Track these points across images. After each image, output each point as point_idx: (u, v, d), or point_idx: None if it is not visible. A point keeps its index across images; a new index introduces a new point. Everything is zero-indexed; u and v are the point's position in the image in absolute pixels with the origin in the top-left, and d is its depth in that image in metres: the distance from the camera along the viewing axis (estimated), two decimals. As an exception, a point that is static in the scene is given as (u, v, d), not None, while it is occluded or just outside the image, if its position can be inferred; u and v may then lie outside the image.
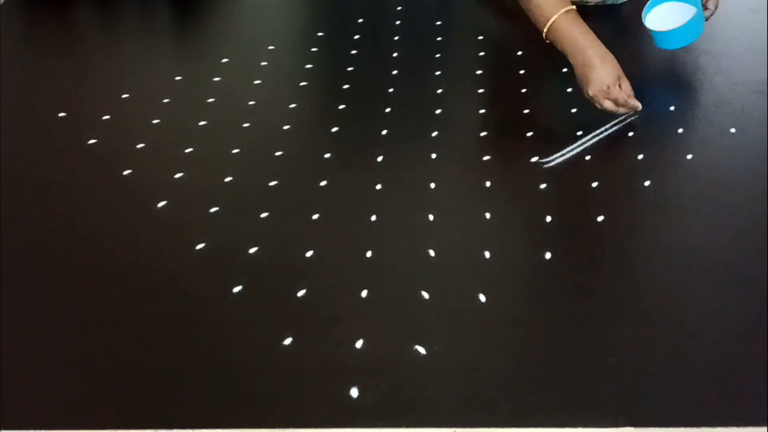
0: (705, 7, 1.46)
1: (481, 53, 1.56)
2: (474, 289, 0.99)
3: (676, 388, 0.86)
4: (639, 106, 1.27)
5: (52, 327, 0.94)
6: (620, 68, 1.25)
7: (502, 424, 0.82)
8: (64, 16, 1.71)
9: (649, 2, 1.44)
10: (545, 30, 1.28)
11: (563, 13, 1.26)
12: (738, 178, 1.20)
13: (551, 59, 1.48)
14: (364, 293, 0.99)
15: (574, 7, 1.29)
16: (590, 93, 1.25)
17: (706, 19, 1.45)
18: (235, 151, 1.26)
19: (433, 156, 1.25)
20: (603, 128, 1.29)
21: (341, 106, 1.38)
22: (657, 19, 1.44)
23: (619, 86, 1.25)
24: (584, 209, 1.14)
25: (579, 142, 1.26)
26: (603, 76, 1.23)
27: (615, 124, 1.30)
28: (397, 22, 1.69)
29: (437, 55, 1.55)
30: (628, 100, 1.25)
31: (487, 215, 1.12)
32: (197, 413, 0.83)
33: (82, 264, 1.04)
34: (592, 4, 1.67)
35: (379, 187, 1.18)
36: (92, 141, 1.28)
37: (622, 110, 1.27)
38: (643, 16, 1.43)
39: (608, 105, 1.26)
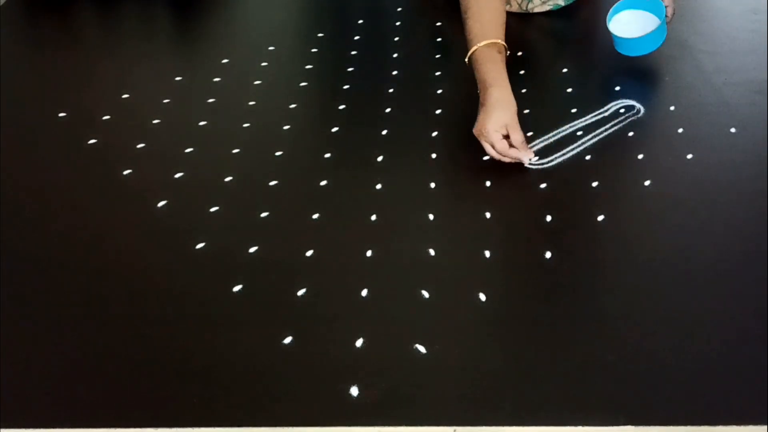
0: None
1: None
2: (474, 288, 0.99)
3: (676, 386, 0.86)
4: (526, 159, 1.19)
5: (52, 327, 0.94)
6: (515, 118, 1.18)
7: (503, 422, 0.83)
8: (64, 16, 1.72)
9: (612, 8, 1.45)
10: (467, 57, 1.27)
11: (484, 45, 1.23)
12: (738, 178, 1.20)
13: (551, 60, 1.48)
14: (364, 292, 0.99)
15: (500, 41, 1.24)
16: (473, 130, 1.20)
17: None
18: (235, 151, 1.26)
19: (433, 156, 1.25)
20: (603, 128, 1.30)
21: (341, 106, 1.38)
22: (619, 25, 1.45)
23: (506, 135, 1.18)
24: (584, 209, 1.14)
25: (579, 142, 1.26)
26: (487, 120, 1.17)
27: (615, 124, 1.31)
28: (397, 23, 1.70)
29: (437, 56, 1.55)
30: (510, 151, 1.18)
31: (487, 215, 1.12)
32: (197, 412, 0.84)
33: (81, 263, 1.04)
34: (534, 11, 1.64)
35: (379, 187, 1.18)
36: (92, 141, 1.28)
37: (504, 159, 1.19)
38: (607, 20, 1.44)
39: (486, 147, 1.19)
